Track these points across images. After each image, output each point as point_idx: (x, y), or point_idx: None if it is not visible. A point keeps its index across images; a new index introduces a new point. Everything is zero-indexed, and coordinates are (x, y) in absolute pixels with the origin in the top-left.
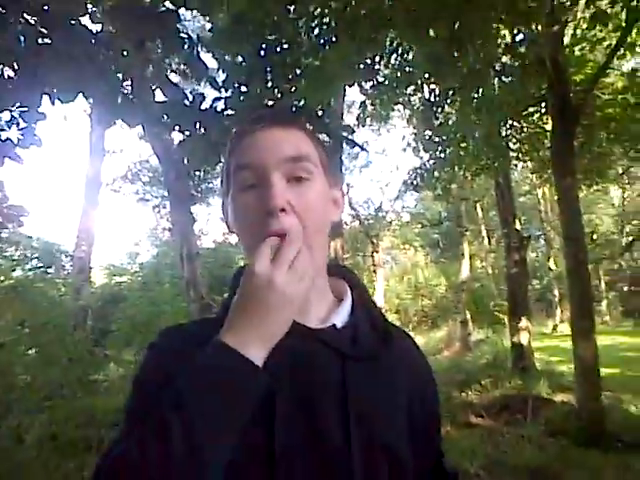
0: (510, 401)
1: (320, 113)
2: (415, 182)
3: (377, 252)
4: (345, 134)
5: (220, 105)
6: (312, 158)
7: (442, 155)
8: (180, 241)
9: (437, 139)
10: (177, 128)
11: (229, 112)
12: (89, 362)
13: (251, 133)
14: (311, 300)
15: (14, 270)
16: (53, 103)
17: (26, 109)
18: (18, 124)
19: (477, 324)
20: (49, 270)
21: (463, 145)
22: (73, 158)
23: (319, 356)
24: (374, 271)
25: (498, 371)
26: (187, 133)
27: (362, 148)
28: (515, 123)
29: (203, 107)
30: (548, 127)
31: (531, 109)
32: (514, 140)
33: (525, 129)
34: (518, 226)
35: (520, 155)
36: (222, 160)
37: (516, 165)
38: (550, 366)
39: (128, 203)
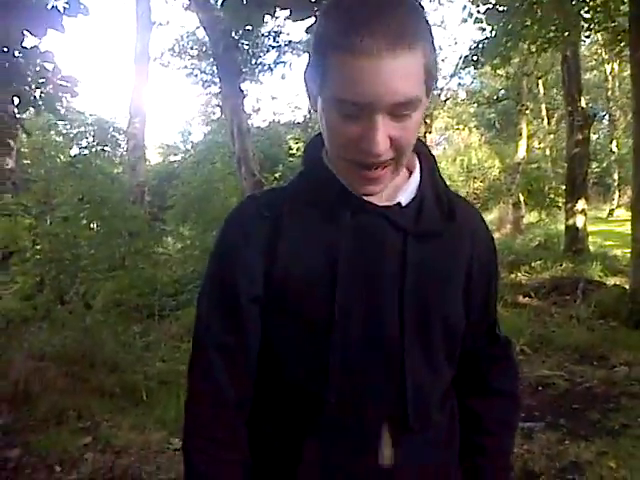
0: (560, 283)
1: None
2: (475, 57)
3: (430, 133)
4: None
5: None
6: (421, 93)
7: (506, 27)
8: (230, 117)
9: (501, 7)
10: None
11: None
12: (148, 236)
13: (357, 57)
14: None
15: (71, 147)
16: None
17: None
18: None
19: (530, 207)
20: (105, 148)
21: (530, 14)
22: (122, 33)
23: (383, 232)
24: None
25: (549, 254)
26: None
27: None
28: None
29: None
30: None
31: None
32: (586, 8)
33: None
34: (584, 104)
35: (593, 25)
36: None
37: (588, 36)
38: (604, 250)
39: (178, 79)
